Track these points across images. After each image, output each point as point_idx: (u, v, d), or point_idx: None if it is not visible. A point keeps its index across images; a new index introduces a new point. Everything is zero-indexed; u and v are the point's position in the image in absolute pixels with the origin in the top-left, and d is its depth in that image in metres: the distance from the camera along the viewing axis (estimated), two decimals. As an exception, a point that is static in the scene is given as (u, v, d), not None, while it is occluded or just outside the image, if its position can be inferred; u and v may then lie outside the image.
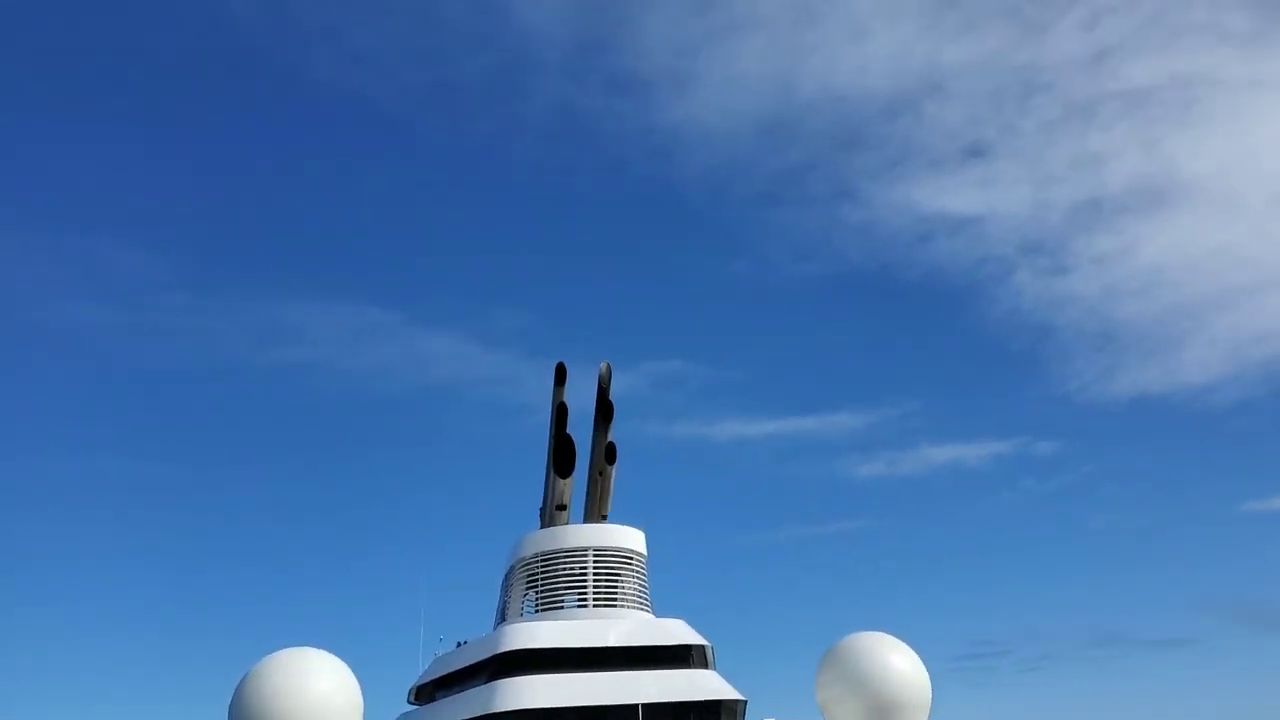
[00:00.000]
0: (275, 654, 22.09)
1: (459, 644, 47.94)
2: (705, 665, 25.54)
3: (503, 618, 27.41)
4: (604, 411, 27.81)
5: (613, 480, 27.92)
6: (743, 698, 24.08)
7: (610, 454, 27.70)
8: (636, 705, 21.95)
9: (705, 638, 25.52)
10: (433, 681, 28.71)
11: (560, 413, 27.93)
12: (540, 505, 30.73)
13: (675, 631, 25.28)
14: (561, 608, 26.25)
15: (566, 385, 29.27)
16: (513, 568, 27.72)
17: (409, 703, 32.63)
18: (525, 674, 23.62)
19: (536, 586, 26.52)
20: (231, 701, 21.68)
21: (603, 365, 27.97)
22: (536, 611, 26.49)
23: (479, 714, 23.00)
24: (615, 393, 28.29)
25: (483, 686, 24.05)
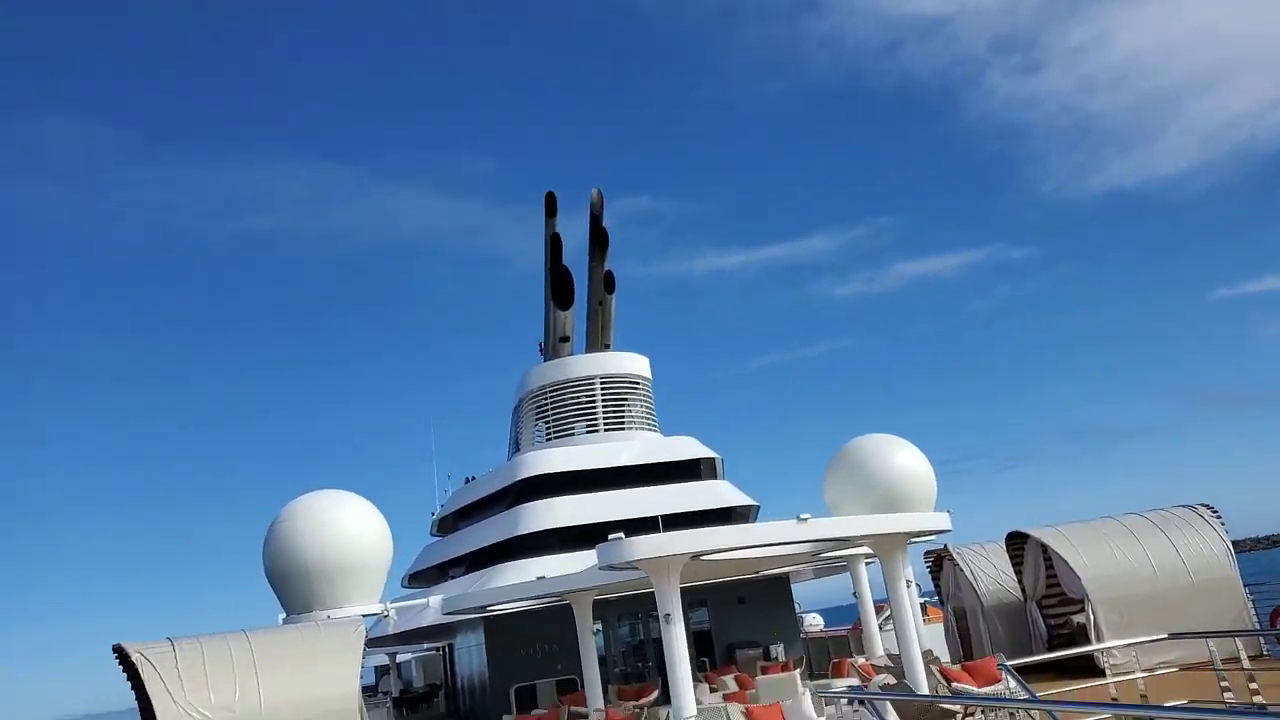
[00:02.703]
0: (302, 498, 22.73)
1: (467, 479, 49.61)
2: (715, 476, 26.57)
3: (516, 449, 28.20)
4: (599, 240, 27.62)
5: (613, 309, 28.09)
6: (755, 503, 25.22)
7: (609, 283, 27.74)
8: (656, 517, 22.91)
9: (714, 451, 26.42)
10: (454, 513, 29.90)
11: (555, 244, 27.77)
12: (539, 341, 31.06)
13: (685, 447, 26.16)
14: (573, 434, 26.99)
15: (549, 218, 28.99)
16: (521, 401, 28.28)
17: (432, 535, 34.09)
18: (546, 497, 24.54)
19: (546, 417, 27.16)
20: (265, 547, 22.46)
21: (594, 192, 27.56)
22: (548, 440, 27.25)
23: (506, 537, 24.03)
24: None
25: (506, 512, 25.03)
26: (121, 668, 15.94)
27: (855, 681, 18.59)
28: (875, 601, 29.51)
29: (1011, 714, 12.68)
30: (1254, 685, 11.50)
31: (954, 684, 13.63)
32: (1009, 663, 13.23)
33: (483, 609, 18.74)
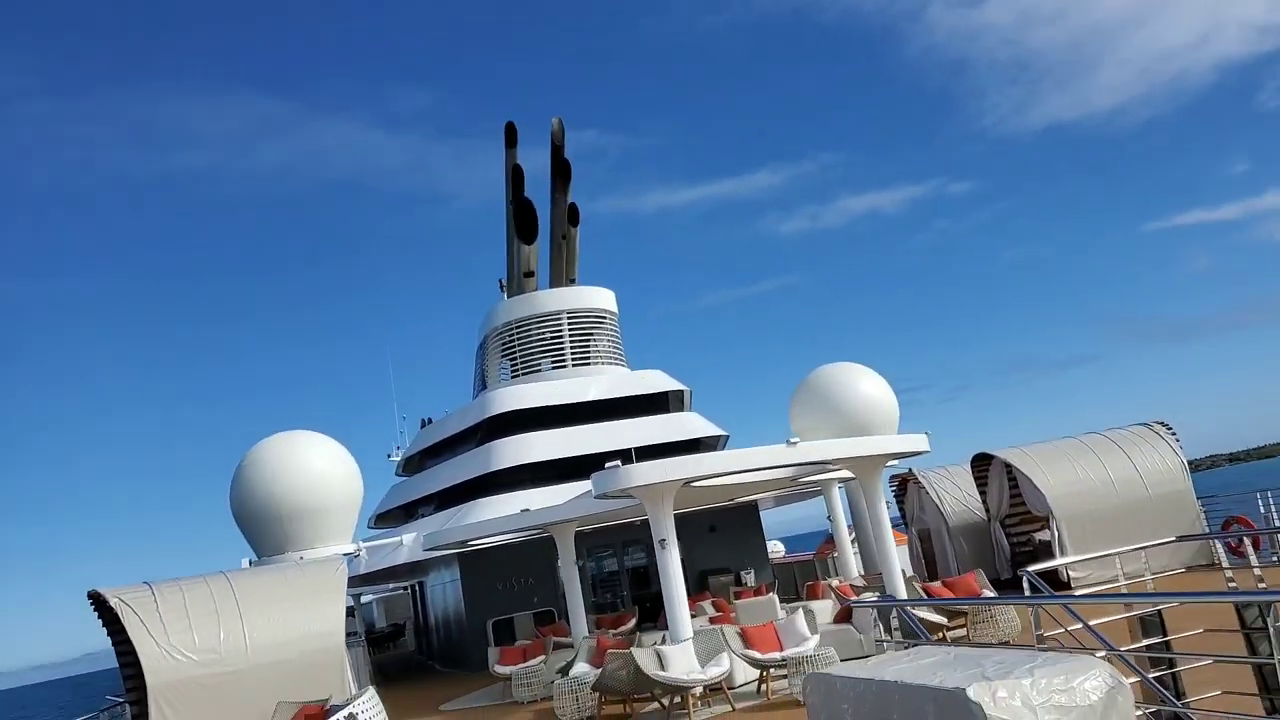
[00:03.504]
0: (269, 438, 22.32)
1: (424, 421, 49.24)
2: (683, 409, 26.70)
3: (483, 386, 27.94)
4: (561, 171, 27.10)
5: (577, 242, 27.72)
6: (724, 433, 25.43)
7: (573, 215, 27.32)
8: (629, 450, 22.98)
9: (682, 384, 26.50)
10: (421, 452, 29.67)
11: (516, 176, 27.18)
12: (500, 278, 30.62)
13: (654, 380, 26.18)
14: (540, 370, 26.80)
15: (510, 150, 28.36)
16: (486, 338, 27.94)
17: (397, 475, 33.85)
18: (515, 433, 24.42)
19: (513, 353, 26.89)
20: (233, 490, 22.06)
21: (554, 121, 26.92)
22: (514, 377, 27.02)
23: (478, 473, 23.92)
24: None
25: (477, 449, 24.88)
26: (97, 614, 15.61)
27: (830, 603, 19.07)
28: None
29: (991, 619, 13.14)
30: (1233, 584, 12.01)
31: (935, 599, 14.02)
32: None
33: (463, 543, 18.71)
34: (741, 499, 22.30)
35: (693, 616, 19.06)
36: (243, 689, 14.20)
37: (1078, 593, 15.83)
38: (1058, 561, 11.13)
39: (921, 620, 12.66)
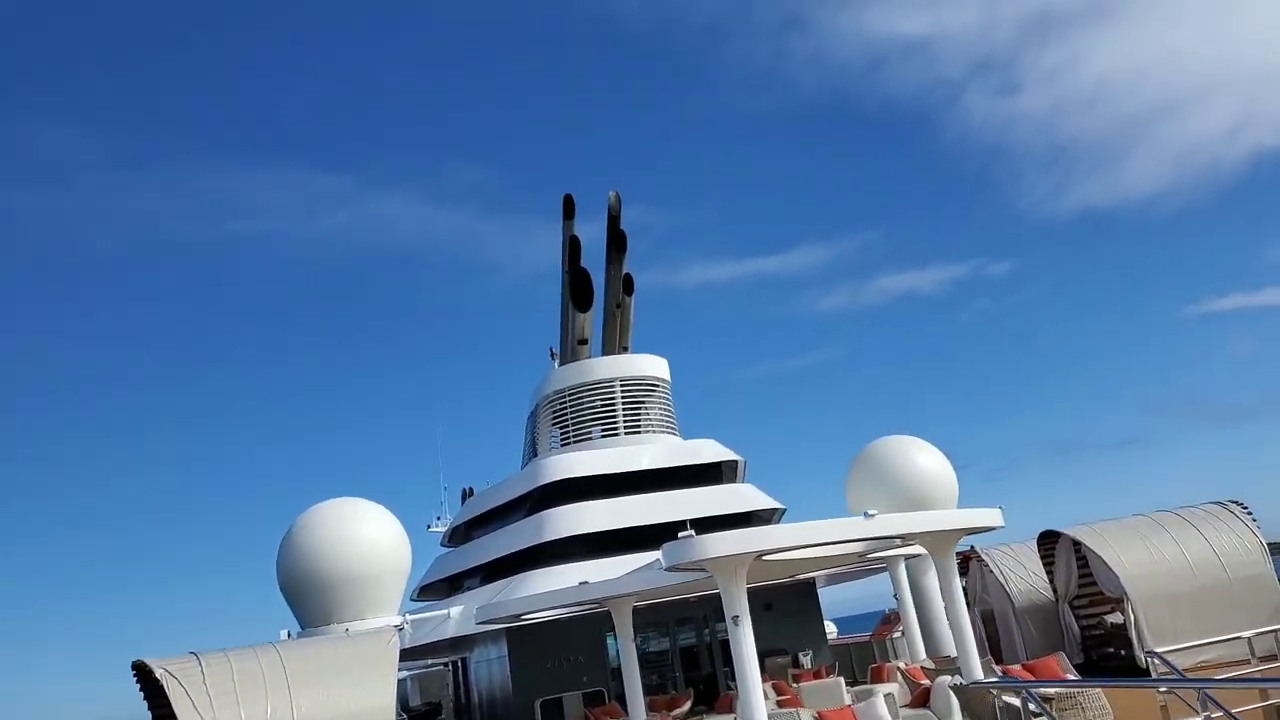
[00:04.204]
0: (318, 506, 22.13)
1: (465, 491, 48.84)
2: (736, 479, 26.09)
3: (533, 454, 27.61)
4: (617, 241, 27.16)
5: (631, 311, 27.62)
6: (781, 505, 24.75)
7: (628, 285, 27.27)
8: (684, 521, 22.39)
9: (736, 454, 25.95)
10: (467, 522, 29.24)
11: (573, 246, 27.29)
12: (550, 347, 30.55)
13: (708, 450, 25.67)
14: (590, 439, 26.43)
15: (567, 221, 28.56)
16: (538, 406, 27.71)
17: (442, 545, 33.39)
18: (566, 503, 23.95)
19: (564, 421, 26.59)
20: (280, 558, 21.81)
21: (611, 194, 27.11)
22: (563, 445, 26.67)
23: (530, 544, 23.41)
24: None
25: (527, 519, 24.41)
26: (139, 685, 15.26)
27: (897, 687, 18.14)
28: (892, 610, 29.12)
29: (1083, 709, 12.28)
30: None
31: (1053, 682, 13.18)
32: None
33: (516, 617, 18.15)
34: (800, 576, 21.53)
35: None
36: (290, 767, 13.70)
37: (1215, 676, 14.79)
38: (1175, 647, 10.36)
39: (1008, 707, 11.88)
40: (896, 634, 27.30)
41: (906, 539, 14.28)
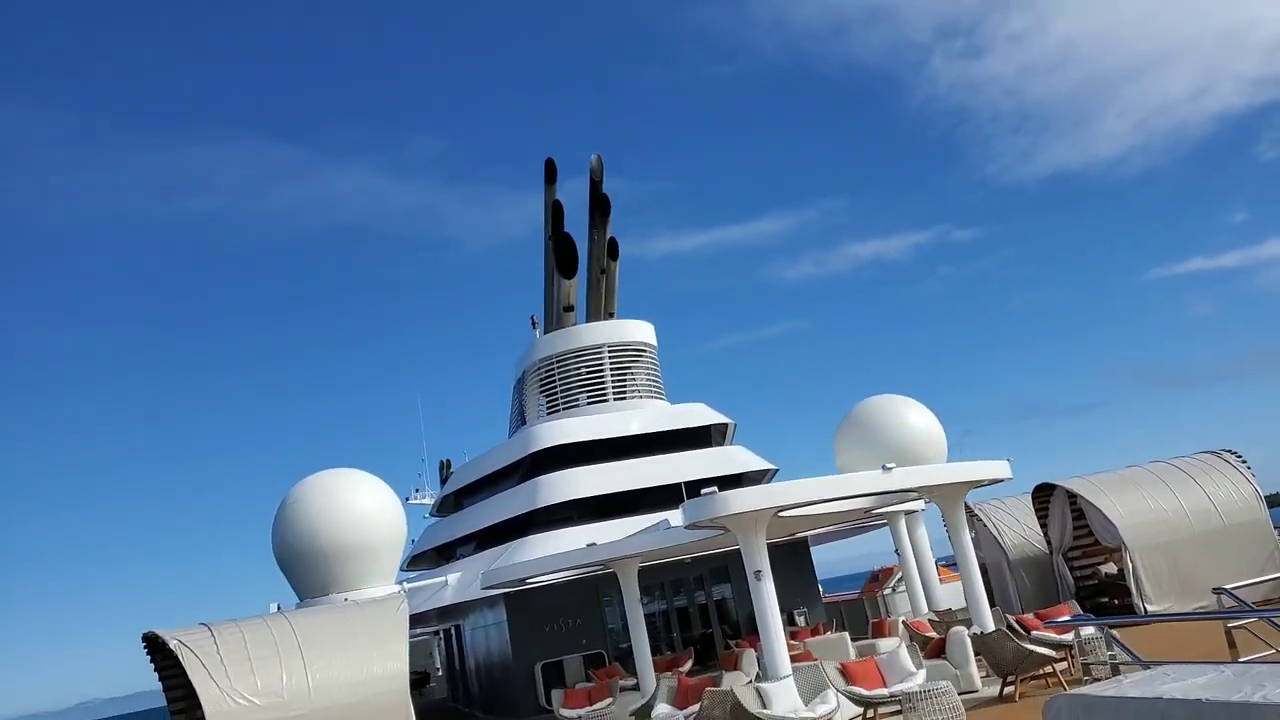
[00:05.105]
0: (311, 477, 21.83)
1: (442, 462, 48.47)
2: (725, 442, 26.18)
3: (521, 422, 27.46)
4: (600, 206, 26.90)
5: (617, 276, 27.43)
6: (773, 466, 24.88)
7: (613, 249, 27.06)
8: (679, 484, 22.43)
9: (726, 416, 26.01)
10: (456, 492, 29.07)
11: (556, 211, 26.99)
12: (531, 315, 30.33)
13: (697, 413, 25.71)
14: (578, 405, 26.33)
15: (549, 186, 28.22)
16: (525, 374, 27.52)
17: (431, 515, 33.19)
18: (559, 469, 23.88)
19: (553, 389, 26.44)
20: (275, 530, 21.52)
21: (594, 157, 26.81)
22: (550, 413, 26.54)
23: (521, 511, 23.33)
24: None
25: (520, 486, 24.31)
26: (150, 656, 15.03)
27: (897, 640, 18.40)
28: (888, 566, 29.52)
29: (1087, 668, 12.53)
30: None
31: (1032, 633, 13.43)
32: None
33: (521, 581, 18.11)
34: (798, 534, 21.72)
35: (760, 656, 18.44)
36: (306, 734, 13.56)
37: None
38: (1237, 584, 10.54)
39: (1031, 654, 12.09)
40: (886, 590, 27.73)
41: (919, 492, 14.41)
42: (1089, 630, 13.53)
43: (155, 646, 14.58)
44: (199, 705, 13.25)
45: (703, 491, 11.74)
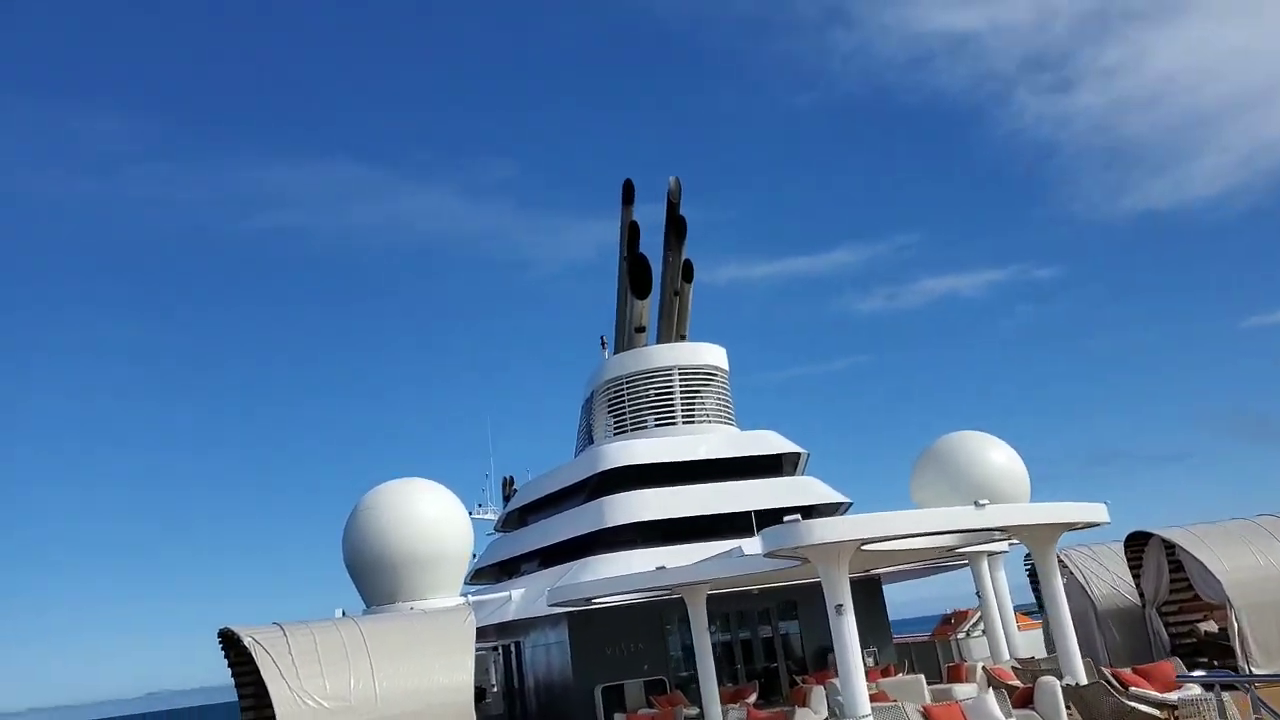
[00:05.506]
0: (383, 485, 21.95)
1: (505, 479, 48.64)
2: (797, 472, 25.59)
3: (589, 441, 27.29)
4: (676, 228, 26.76)
5: (690, 299, 27.20)
6: (848, 500, 24.22)
7: (687, 272, 26.85)
8: (748, 512, 21.98)
9: (798, 446, 25.43)
10: (521, 508, 28.97)
11: (632, 232, 26.92)
12: (601, 335, 30.24)
13: (769, 441, 25.19)
14: (645, 427, 26.06)
15: (626, 206, 28.18)
16: (594, 393, 27.38)
17: (495, 530, 33.17)
18: (624, 490, 23.59)
19: (621, 409, 26.23)
20: (345, 537, 21.66)
21: (671, 180, 26.71)
22: (616, 434, 26.32)
23: (586, 531, 23.08)
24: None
25: (585, 505, 24.08)
26: (224, 652, 15.13)
27: (973, 689, 17.61)
28: (961, 609, 28.50)
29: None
30: None
31: (1130, 689, 12.65)
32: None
33: (587, 600, 17.82)
34: (873, 571, 21.04)
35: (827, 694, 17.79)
36: (370, 741, 13.45)
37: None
38: None
39: (1132, 711, 11.36)
40: (960, 634, 26.72)
41: (1011, 532, 13.76)
42: (1195, 690, 12.70)
43: (230, 642, 14.67)
44: (269, 703, 13.26)
45: (785, 519, 11.33)
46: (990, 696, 11.54)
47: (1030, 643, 23.70)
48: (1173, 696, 12.25)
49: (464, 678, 14.34)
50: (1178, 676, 12.53)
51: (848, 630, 11.47)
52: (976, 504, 11.68)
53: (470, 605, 20.79)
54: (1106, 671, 13.27)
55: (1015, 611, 24.99)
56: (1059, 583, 14.00)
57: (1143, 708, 11.38)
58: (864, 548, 12.83)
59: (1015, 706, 13.15)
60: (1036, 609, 24.55)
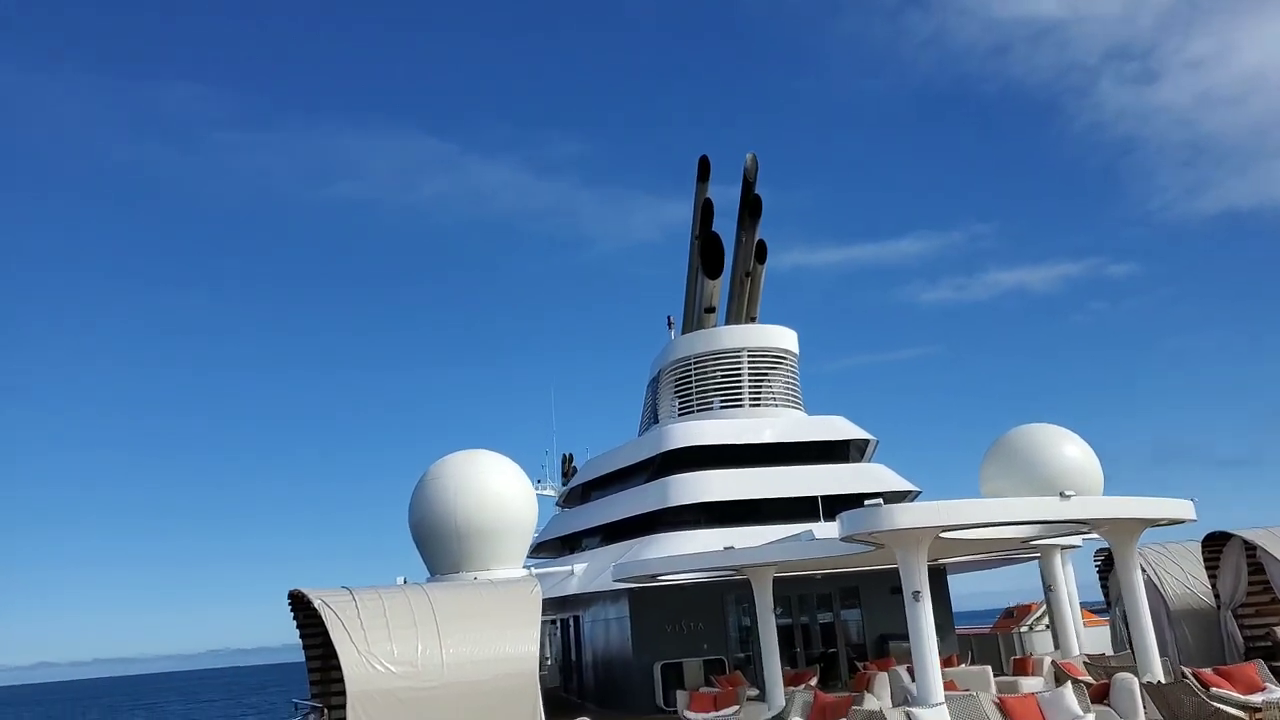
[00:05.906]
0: (450, 455, 22.25)
1: (564, 456, 49.03)
2: (864, 459, 25.28)
3: (654, 421, 27.32)
4: (751, 207, 26.50)
5: (762, 280, 26.96)
6: (917, 488, 23.87)
7: (761, 252, 26.59)
8: (815, 497, 21.80)
9: (867, 432, 25.11)
10: (583, 485, 29.19)
11: (706, 210, 26.74)
12: (668, 315, 30.19)
13: (836, 427, 24.92)
14: (711, 409, 25.99)
15: (701, 183, 27.96)
16: (661, 373, 27.37)
17: (558, 506, 33.51)
18: (688, 470, 23.58)
19: (689, 389, 26.18)
20: (412, 505, 22.02)
21: (748, 157, 26.45)
22: (681, 414, 26.29)
23: (649, 509, 23.15)
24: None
25: (647, 484, 24.14)
26: (293, 613, 15.51)
27: (1039, 683, 17.29)
28: (1023, 603, 27.99)
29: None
30: None
31: (1212, 689, 12.27)
32: None
33: (652, 577, 17.90)
34: (939, 560, 20.71)
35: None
36: (437, 707, 13.66)
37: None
38: None
39: (1217, 711, 11.03)
40: (1024, 628, 26.26)
41: (1094, 525, 13.42)
42: (1278, 693, 12.28)
43: (299, 604, 15.03)
44: (336, 665, 13.57)
45: (866, 503, 11.18)
46: (1068, 690, 11.29)
47: (1095, 640, 23.17)
48: (1256, 699, 11.87)
49: (530, 649, 14.46)
50: (1264, 680, 12.13)
51: (924, 617, 11.31)
52: (1062, 494, 11.39)
53: (535, 577, 21.05)
54: (1187, 671, 12.89)
55: (1081, 608, 24.44)
56: (1139, 578, 13.62)
57: (1226, 708, 11.04)
58: (941, 535, 12.62)
59: (1093, 701, 12.86)
60: (1104, 607, 23.94)
